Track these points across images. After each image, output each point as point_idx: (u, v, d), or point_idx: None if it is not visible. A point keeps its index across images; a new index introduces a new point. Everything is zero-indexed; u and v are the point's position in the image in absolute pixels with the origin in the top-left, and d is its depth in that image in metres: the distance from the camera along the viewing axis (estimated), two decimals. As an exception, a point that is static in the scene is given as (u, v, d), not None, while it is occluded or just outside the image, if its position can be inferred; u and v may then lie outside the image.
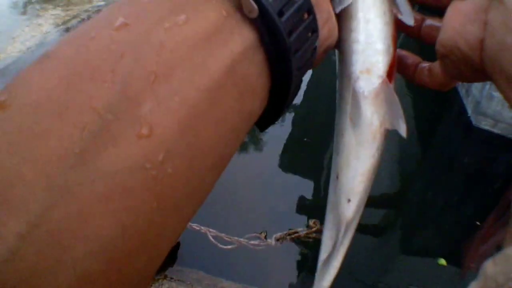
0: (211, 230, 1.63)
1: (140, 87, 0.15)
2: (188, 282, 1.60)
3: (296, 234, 1.78)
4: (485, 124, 2.83)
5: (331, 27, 0.24)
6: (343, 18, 0.27)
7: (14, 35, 3.30)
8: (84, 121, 0.14)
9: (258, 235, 1.63)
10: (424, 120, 3.02)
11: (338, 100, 0.30)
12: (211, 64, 0.17)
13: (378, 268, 2.08)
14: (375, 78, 0.28)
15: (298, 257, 2.04)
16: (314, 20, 0.21)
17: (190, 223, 1.69)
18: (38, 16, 3.63)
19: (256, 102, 0.20)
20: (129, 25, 0.16)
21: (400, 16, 0.29)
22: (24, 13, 3.70)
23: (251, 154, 2.60)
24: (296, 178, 2.48)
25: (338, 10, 0.25)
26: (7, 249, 0.13)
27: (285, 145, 2.67)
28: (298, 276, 1.99)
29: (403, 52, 0.31)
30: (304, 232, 1.75)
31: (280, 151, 2.61)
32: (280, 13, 0.18)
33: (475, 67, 0.25)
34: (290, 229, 1.80)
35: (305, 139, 2.70)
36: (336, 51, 0.29)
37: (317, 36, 0.22)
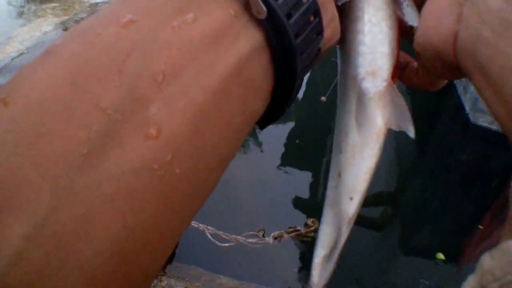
0: (209, 227, 1.63)
1: (147, 87, 0.15)
2: (187, 279, 1.61)
3: (294, 233, 1.78)
4: (483, 121, 2.83)
5: (335, 28, 0.24)
6: (350, 19, 0.28)
7: (13, 35, 3.30)
8: (90, 122, 0.14)
9: (256, 233, 1.64)
10: (422, 117, 3.02)
11: (341, 100, 0.30)
12: (218, 64, 0.17)
13: (377, 266, 2.09)
14: (380, 81, 0.28)
15: (297, 255, 2.05)
16: (320, 22, 0.21)
17: (188, 221, 1.69)
18: (36, 16, 3.63)
19: (259, 102, 0.20)
20: (136, 22, 0.16)
21: (405, 18, 0.29)
22: (22, 13, 3.70)
23: (250, 153, 2.60)
24: (295, 177, 2.48)
25: (340, 2, 0.25)
26: (13, 252, 0.13)
27: (284, 145, 2.67)
28: (297, 272, 1.99)
29: None
30: (303, 231, 1.76)
31: (279, 151, 2.61)
32: (288, 15, 0.18)
33: (449, 63, 0.25)
34: (289, 228, 1.80)
35: (297, 141, 2.69)
36: (338, 51, 0.30)
37: (322, 38, 0.21)
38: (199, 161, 0.17)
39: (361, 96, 0.29)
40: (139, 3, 0.17)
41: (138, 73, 0.15)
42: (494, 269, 0.18)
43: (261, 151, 2.65)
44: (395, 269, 2.10)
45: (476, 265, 0.18)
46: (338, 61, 0.30)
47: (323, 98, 2.48)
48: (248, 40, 0.18)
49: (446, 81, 0.31)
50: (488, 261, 0.18)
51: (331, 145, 0.32)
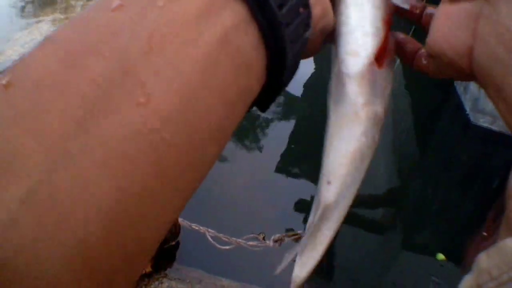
0: (209, 230, 1.63)
1: (135, 58, 0.16)
2: (188, 281, 1.61)
3: (294, 236, 1.78)
4: (483, 122, 2.83)
5: (325, 7, 0.25)
6: (336, 2, 0.28)
7: (14, 37, 3.30)
8: (83, 92, 0.15)
9: (256, 236, 1.64)
10: (422, 118, 3.02)
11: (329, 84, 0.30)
12: (204, 36, 0.18)
13: (378, 266, 2.09)
14: (361, 60, 0.28)
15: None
16: None
17: (189, 223, 1.69)
18: (37, 19, 3.63)
19: (252, 77, 0.20)
20: (124, 6, 0.17)
21: (393, 0, 0.29)
22: (23, 16, 3.70)
23: (250, 156, 2.60)
24: (295, 180, 2.48)
25: None
26: (8, 214, 0.13)
27: (285, 147, 2.67)
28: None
29: (403, 37, 0.32)
30: (303, 234, 1.75)
31: (279, 153, 2.61)
32: None
33: (464, 72, 0.25)
34: (288, 230, 1.80)
35: (292, 146, 2.69)
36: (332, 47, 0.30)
37: (309, 12, 0.22)
38: (189, 128, 0.17)
39: (341, 75, 0.28)
40: None
41: (126, 47, 0.16)
42: (490, 268, 0.18)
43: (262, 153, 2.65)
44: (396, 269, 2.10)
45: (473, 265, 0.18)
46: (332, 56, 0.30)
47: None
48: (232, 13, 0.19)
49: None
50: (484, 260, 0.18)
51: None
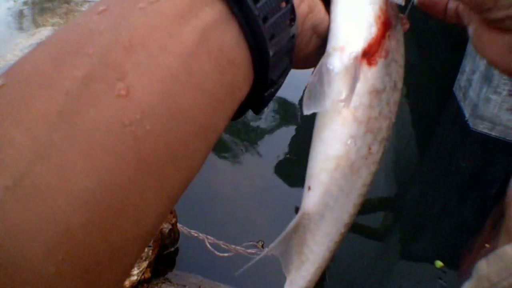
0: (208, 237, 1.63)
1: (117, 54, 0.17)
2: (187, 287, 1.60)
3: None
4: (482, 128, 2.83)
5: (312, 4, 0.25)
6: (331, 2, 0.27)
7: (14, 42, 3.31)
8: (67, 87, 0.16)
9: (255, 243, 1.63)
10: (422, 123, 3.02)
11: None
12: (183, 32, 0.18)
13: (377, 272, 2.08)
14: (347, 55, 0.26)
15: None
16: None
17: (188, 229, 1.69)
18: (37, 24, 3.64)
19: (237, 73, 0.20)
20: (108, 10, 0.18)
21: None
22: (23, 21, 3.71)
23: (250, 162, 2.59)
24: (295, 188, 2.48)
25: None
26: None
27: (285, 155, 2.67)
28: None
29: None
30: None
31: (279, 159, 2.60)
32: None
33: None
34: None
35: (293, 152, 2.69)
36: None
37: (292, 7, 0.22)
38: (171, 121, 0.18)
39: (324, 70, 0.26)
40: None
41: (108, 44, 0.17)
42: (490, 275, 0.18)
43: (262, 160, 2.64)
44: (395, 275, 2.09)
45: (472, 271, 0.18)
46: None
47: None
48: (211, 10, 0.19)
49: None
50: (484, 267, 0.18)
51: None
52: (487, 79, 2.70)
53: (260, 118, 2.80)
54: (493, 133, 2.81)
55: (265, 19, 0.20)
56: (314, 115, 0.28)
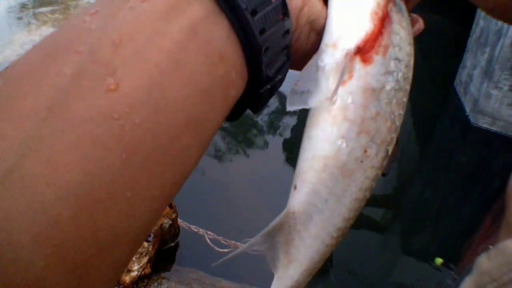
0: (209, 232, 1.63)
1: (106, 50, 0.17)
2: (187, 282, 1.60)
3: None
4: (483, 123, 2.83)
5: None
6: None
7: (12, 38, 3.30)
8: (56, 82, 0.16)
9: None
10: (422, 119, 3.02)
11: None
12: (171, 28, 0.19)
13: (377, 268, 2.08)
14: (339, 52, 0.25)
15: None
16: None
17: (188, 224, 1.69)
18: (36, 20, 3.64)
19: (230, 68, 0.20)
20: (99, 10, 0.19)
21: None
22: (22, 17, 3.71)
23: (251, 159, 2.59)
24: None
25: None
26: None
27: (286, 150, 2.67)
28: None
29: None
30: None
31: (280, 155, 2.61)
32: None
33: None
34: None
35: (294, 149, 2.69)
36: None
37: (283, 1, 0.22)
38: (160, 114, 0.18)
39: (316, 67, 0.26)
40: None
41: (98, 41, 0.18)
42: (491, 270, 0.18)
43: (263, 156, 2.65)
44: (395, 271, 2.10)
45: (473, 266, 0.18)
46: None
47: None
48: (199, 6, 0.20)
49: None
50: (485, 262, 0.18)
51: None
52: (488, 74, 2.69)
53: (262, 113, 2.80)
54: (493, 128, 2.80)
55: (254, 13, 0.20)
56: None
